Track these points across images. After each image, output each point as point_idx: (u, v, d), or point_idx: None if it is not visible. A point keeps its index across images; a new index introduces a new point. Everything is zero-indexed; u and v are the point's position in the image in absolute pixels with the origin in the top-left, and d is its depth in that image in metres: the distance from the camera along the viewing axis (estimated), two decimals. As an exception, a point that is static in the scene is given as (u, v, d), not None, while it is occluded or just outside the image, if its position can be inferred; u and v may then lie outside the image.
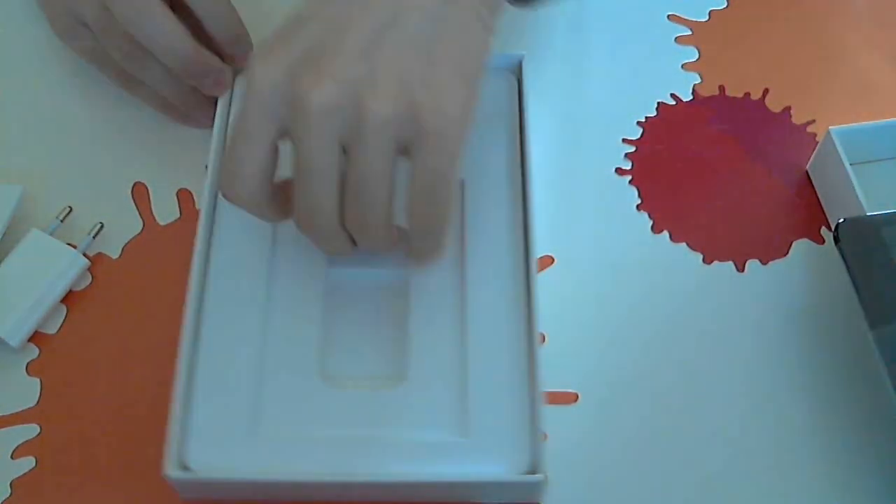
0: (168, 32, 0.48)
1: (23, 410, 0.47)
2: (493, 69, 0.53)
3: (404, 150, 0.39)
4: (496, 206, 0.48)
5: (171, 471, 0.41)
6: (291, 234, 0.46)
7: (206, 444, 0.43)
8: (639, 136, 0.56)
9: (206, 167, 0.49)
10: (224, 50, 0.51)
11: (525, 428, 0.43)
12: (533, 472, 0.42)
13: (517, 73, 0.53)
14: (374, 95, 0.38)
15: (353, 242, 0.43)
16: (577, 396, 0.47)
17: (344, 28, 0.39)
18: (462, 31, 0.40)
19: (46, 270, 0.49)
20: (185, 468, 0.42)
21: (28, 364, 0.48)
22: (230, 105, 0.52)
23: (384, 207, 0.40)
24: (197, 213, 0.52)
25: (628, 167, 0.55)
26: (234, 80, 0.52)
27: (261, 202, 0.41)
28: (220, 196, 0.48)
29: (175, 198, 0.53)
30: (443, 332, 0.45)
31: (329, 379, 0.45)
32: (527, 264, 0.47)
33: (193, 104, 0.53)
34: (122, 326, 0.49)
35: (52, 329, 0.49)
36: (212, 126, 0.51)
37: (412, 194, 0.40)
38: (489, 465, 0.42)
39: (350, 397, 0.44)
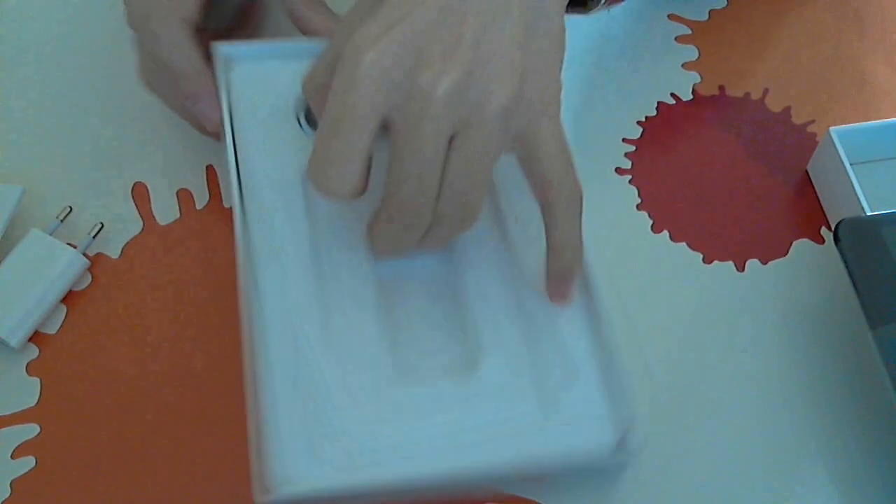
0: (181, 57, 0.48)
1: (23, 410, 0.47)
2: None
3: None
4: (530, 196, 0.46)
5: (261, 496, 0.40)
6: (330, 230, 0.46)
7: (290, 459, 0.41)
8: (639, 135, 0.56)
9: (231, 169, 0.48)
10: None
11: (607, 401, 0.43)
12: (622, 443, 0.42)
13: None
14: (497, 84, 0.38)
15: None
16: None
17: (454, 19, 0.39)
18: (551, 19, 0.41)
19: (46, 270, 0.49)
20: (267, 490, 0.41)
21: (28, 364, 0.48)
22: (229, 95, 0.50)
23: (484, 192, 0.41)
24: (197, 213, 0.53)
25: (628, 167, 0.55)
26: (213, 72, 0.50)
27: (357, 192, 0.40)
28: (245, 195, 0.47)
29: (175, 198, 0.53)
30: (503, 312, 0.45)
31: (399, 374, 0.44)
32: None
33: None
34: (122, 326, 0.49)
35: (52, 329, 0.49)
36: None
37: (541, 181, 0.41)
38: (574, 444, 0.42)
39: (427, 390, 0.43)
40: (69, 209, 0.51)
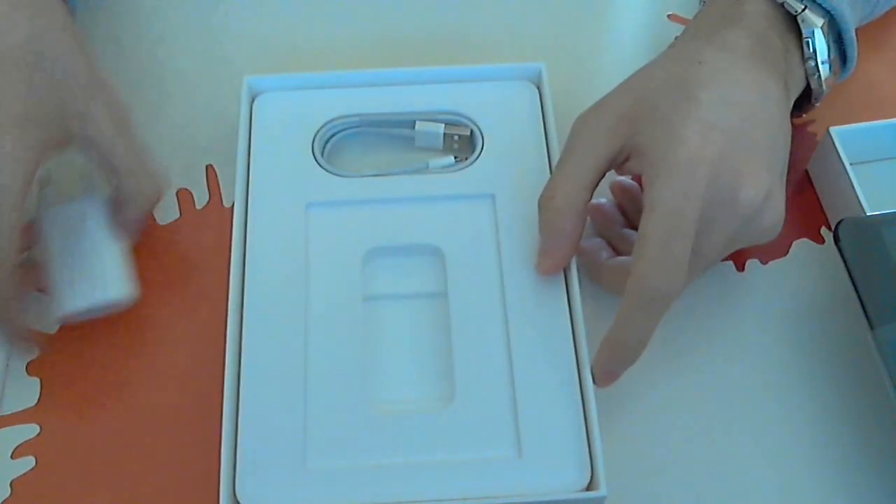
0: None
1: (23, 410, 0.47)
2: (512, 79, 0.54)
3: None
4: (529, 219, 0.48)
5: None
6: (324, 264, 0.47)
7: (258, 478, 0.42)
8: (639, 136, 0.56)
9: (240, 192, 0.49)
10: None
11: (580, 443, 0.43)
12: (590, 487, 0.42)
13: (537, 82, 0.54)
14: (778, 200, 0.45)
15: None
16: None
17: (746, 141, 0.44)
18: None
19: (88, 226, 0.48)
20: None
21: (28, 364, 0.48)
22: (250, 123, 0.52)
23: None
24: (197, 212, 0.53)
25: (628, 167, 0.55)
26: None
27: (678, 293, 0.42)
28: (249, 222, 0.49)
29: (175, 198, 0.53)
30: (486, 349, 0.46)
31: (376, 405, 0.45)
32: (566, 274, 0.47)
33: None
34: (122, 326, 0.49)
35: (52, 329, 0.49)
36: None
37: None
38: (545, 483, 0.42)
39: (399, 422, 0.44)
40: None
